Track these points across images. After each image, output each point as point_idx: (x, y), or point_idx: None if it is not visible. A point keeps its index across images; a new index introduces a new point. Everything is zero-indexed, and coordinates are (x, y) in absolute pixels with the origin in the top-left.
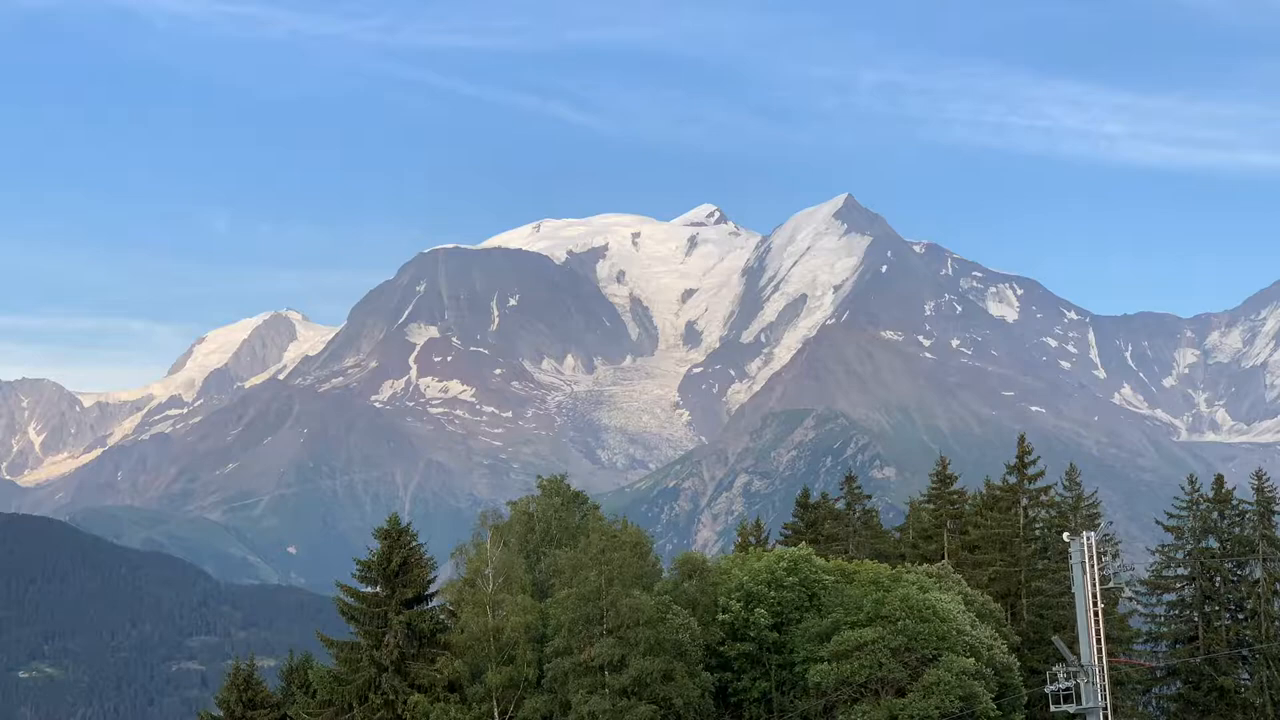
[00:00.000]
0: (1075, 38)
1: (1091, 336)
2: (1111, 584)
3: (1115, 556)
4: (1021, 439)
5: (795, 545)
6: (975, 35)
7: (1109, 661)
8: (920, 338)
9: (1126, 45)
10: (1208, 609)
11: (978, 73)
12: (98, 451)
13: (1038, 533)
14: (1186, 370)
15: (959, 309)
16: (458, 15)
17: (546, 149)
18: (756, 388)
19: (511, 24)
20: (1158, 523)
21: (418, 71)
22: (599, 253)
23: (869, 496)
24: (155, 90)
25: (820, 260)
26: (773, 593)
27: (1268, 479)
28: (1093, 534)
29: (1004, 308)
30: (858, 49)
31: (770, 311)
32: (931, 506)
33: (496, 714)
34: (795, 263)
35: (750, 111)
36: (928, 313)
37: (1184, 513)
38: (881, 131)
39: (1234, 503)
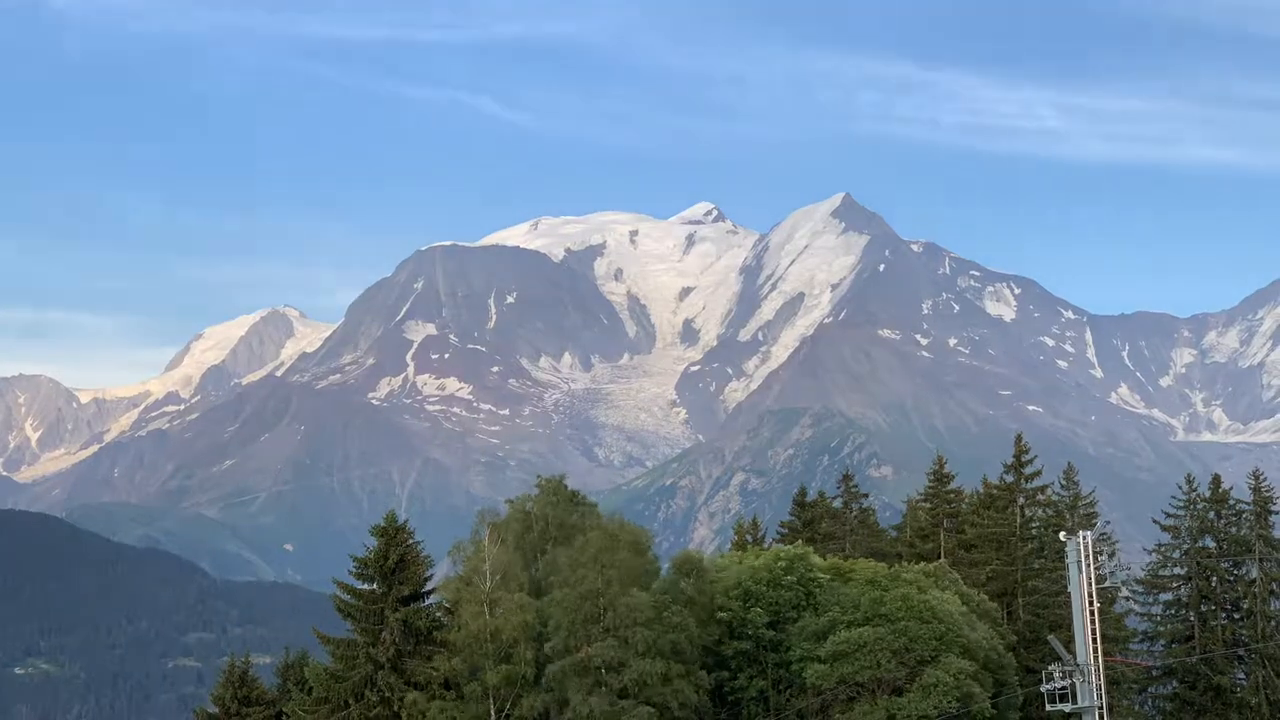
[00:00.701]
0: (1074, 40)
1: (1089, 336)
2: (1108, 583)
3: (1111, 556)
4: (1018, 438)
5: (792, 544)
6: (975, 36)
7: (1105, 661)
8: (918, 336)
9: (1125, 47)
10: (1204, 608)
11: (977, 73)
12: (94, 448)
13: (1034, 532)
14: (1183, 370)
15: (956, 308)
16: (449, 8)
17: (543, 146)
18: (754, 386)
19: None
20: (1154, 522)
21: (416, 67)
22: (596, 250)
23: (866, 495)
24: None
25: (818, 259)
26: (770, 591)
27: (1264, 479)
28: (1089, 533)
29: (1001, 307)
30: (856, 45)
31: (768, 310)
32: (928, 505)
33: (493, 712)
34: (793, 261)
35: (747, 108)
36: (925, 312)
37: (1181, 512)
38: (880, 130)
39: (1231, 502)
